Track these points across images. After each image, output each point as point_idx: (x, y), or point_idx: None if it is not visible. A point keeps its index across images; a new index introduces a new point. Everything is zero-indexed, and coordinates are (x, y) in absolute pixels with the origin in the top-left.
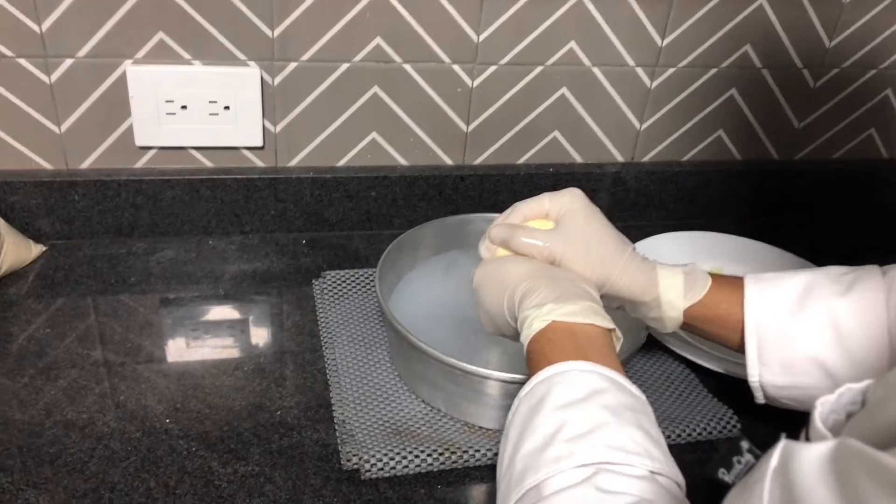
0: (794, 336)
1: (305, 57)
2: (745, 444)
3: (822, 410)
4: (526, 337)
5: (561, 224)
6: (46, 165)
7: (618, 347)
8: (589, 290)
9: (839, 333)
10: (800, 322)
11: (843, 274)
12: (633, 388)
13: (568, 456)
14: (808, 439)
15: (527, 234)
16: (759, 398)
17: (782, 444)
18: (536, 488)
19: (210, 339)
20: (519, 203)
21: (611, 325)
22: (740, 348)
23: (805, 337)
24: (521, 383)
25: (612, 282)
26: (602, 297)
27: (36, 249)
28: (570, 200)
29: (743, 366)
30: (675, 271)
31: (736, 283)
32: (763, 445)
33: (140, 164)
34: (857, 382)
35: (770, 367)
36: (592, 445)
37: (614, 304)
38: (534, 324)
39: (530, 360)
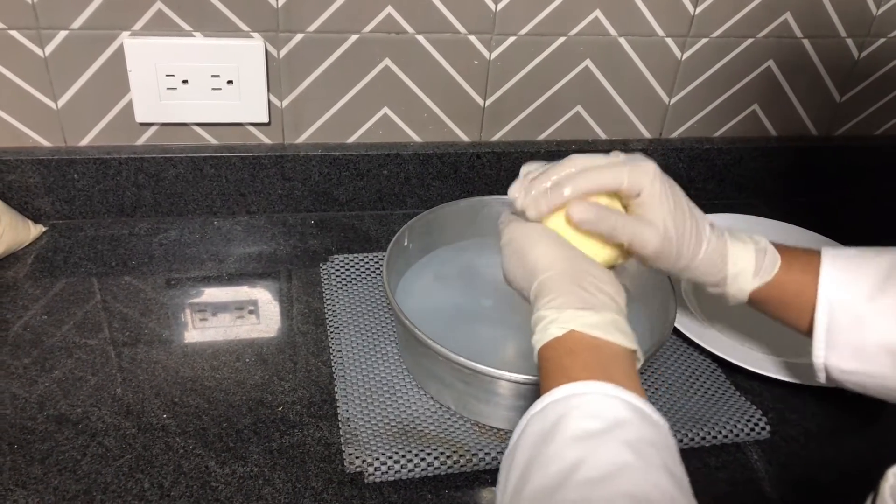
0: (870, 320)
1: (312, 28)
2: None
3: (894, 483)
4: (539, 341)
5: (643, 209)
6: (44, 143)
7: (637, 367)
8: (616, 298)
9: None
10: (878, 306)
11: None
12: (657, 416)
13: (583, 503)
14: None
15: (619, 220)
16: (821, 378)
17: None
18: None
19: (212, 326)
20: (587, 162)
21: (634, 346)
22: (808, 330)
23: (881, 323)
24: (536, 384)
25: (690, 269)
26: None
27: (35, 230)
28: (651, 181)
29: (774, 361)
30: (747, 248)
31: (809, 260)
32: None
33: (141, 141)
34: None
35: (838, 351)
36: (612, 495)
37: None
38: (550, 328)
39: (543, 369)
